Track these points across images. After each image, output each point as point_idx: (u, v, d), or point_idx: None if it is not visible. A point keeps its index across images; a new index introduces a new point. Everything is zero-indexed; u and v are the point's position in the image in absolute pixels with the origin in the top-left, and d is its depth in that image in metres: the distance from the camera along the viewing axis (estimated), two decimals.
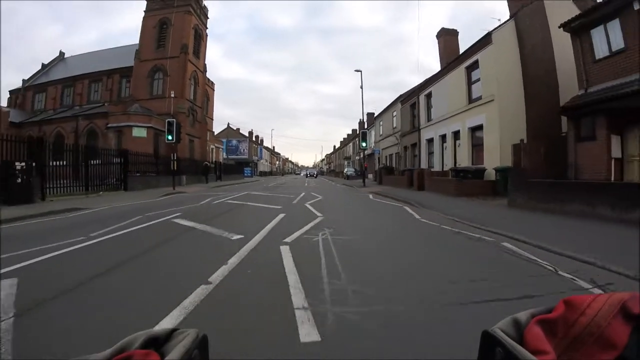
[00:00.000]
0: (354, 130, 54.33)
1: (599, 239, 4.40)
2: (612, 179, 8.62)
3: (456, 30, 19.05)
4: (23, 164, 9.05)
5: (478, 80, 13.15)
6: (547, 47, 12.38)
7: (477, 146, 13.28)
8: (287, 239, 4.34)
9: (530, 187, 7.81)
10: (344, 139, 70.51)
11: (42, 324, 2.01)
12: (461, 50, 15.51)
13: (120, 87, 29.41)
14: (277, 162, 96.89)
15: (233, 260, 3.35)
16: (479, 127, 12.89)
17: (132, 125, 21.83)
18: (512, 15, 13.09)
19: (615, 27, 9.37)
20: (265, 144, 75.51)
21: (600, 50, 9.76)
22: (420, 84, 19.55)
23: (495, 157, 11.68)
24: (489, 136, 12.25)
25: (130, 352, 0.30)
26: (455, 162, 14.83)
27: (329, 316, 2.08)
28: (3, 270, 2.95)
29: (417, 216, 6.90)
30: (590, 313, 0.32)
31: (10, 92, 35.51)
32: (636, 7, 8.88)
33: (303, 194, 12.92)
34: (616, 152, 8.81)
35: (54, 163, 11.49)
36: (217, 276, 2.86)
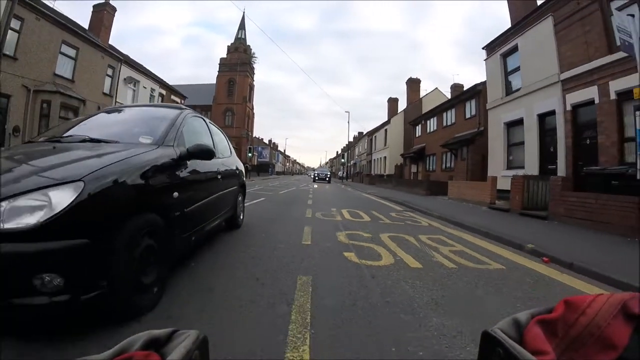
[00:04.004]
0: (354, 137, 62.88)
1: (388, 192, 22.57)
2: (408, 178, 26.81)
3: (419, 79, 33.36)
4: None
5: (386, 137, 31.43)
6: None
7: (384, 165, 31.53)
8: (310, 188, 22.64)
9: (383, 179, 25.99)
10: (344, 145, 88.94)
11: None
12: (421, 94, 32.27)
13: None
14: (287, 164, 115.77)
15: (294, 188, 21.64)
16: (385, 157, 31.16)
17: None
18: (403, 110, 31.35)
19: (420, 127, 27.53)
20: (278, 148, 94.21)
21: (417, 134, 27.89)
22: (373, 129, 37.72)
23: (388, 169, 29.89)
24: (388, 161, 30.48)
25: (131, 353, 0.31)
26: (379, 170, 33.05)
27: (315, 203, 20.37)
28: (271, 184, 21.27)
29: (342, 187, 25.17)
30: (591, 313, 0.33)
31: None
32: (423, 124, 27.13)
33: (311, 181, 31.20)
34: (414, 170, 26.97)
35: None
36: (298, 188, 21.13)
